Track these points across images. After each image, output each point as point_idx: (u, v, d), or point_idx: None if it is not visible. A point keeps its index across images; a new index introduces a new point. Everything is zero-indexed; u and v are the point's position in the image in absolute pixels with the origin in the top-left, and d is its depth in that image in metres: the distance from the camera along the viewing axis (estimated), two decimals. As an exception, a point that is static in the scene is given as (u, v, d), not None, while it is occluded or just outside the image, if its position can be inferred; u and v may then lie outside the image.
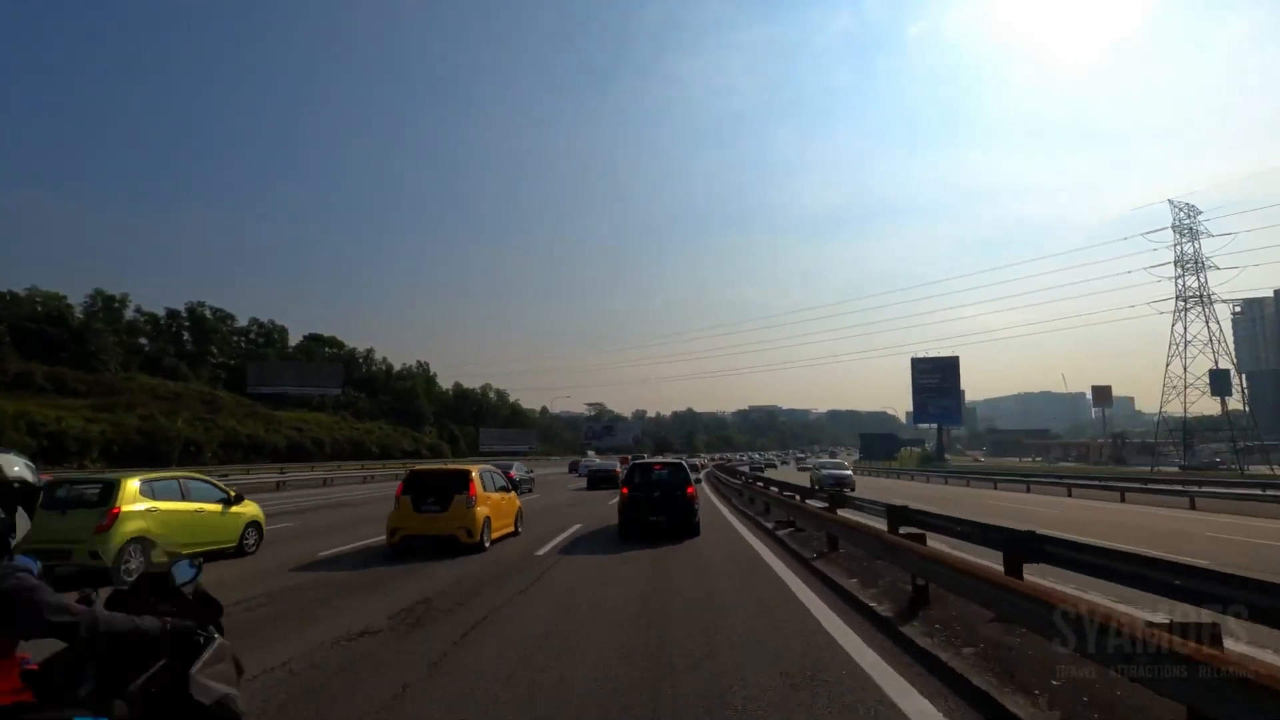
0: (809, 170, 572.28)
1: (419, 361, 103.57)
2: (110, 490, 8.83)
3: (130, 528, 8.66)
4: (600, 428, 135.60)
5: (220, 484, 11.17)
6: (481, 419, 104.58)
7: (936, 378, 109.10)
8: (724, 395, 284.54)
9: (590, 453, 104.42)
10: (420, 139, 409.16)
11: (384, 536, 10.94)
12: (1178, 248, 70.96)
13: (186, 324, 71.34)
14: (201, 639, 2.08)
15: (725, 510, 19.24)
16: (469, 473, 11.18)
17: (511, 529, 12.63)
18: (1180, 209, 70.92)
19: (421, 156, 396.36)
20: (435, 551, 10.40)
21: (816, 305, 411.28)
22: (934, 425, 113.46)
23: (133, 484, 9.08)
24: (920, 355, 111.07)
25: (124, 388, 51.40)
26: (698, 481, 21.12)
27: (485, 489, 11.41)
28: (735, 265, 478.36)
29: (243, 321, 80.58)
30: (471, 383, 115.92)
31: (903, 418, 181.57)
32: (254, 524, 10.97)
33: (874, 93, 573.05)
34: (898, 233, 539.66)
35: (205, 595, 2.26)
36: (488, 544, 10.94)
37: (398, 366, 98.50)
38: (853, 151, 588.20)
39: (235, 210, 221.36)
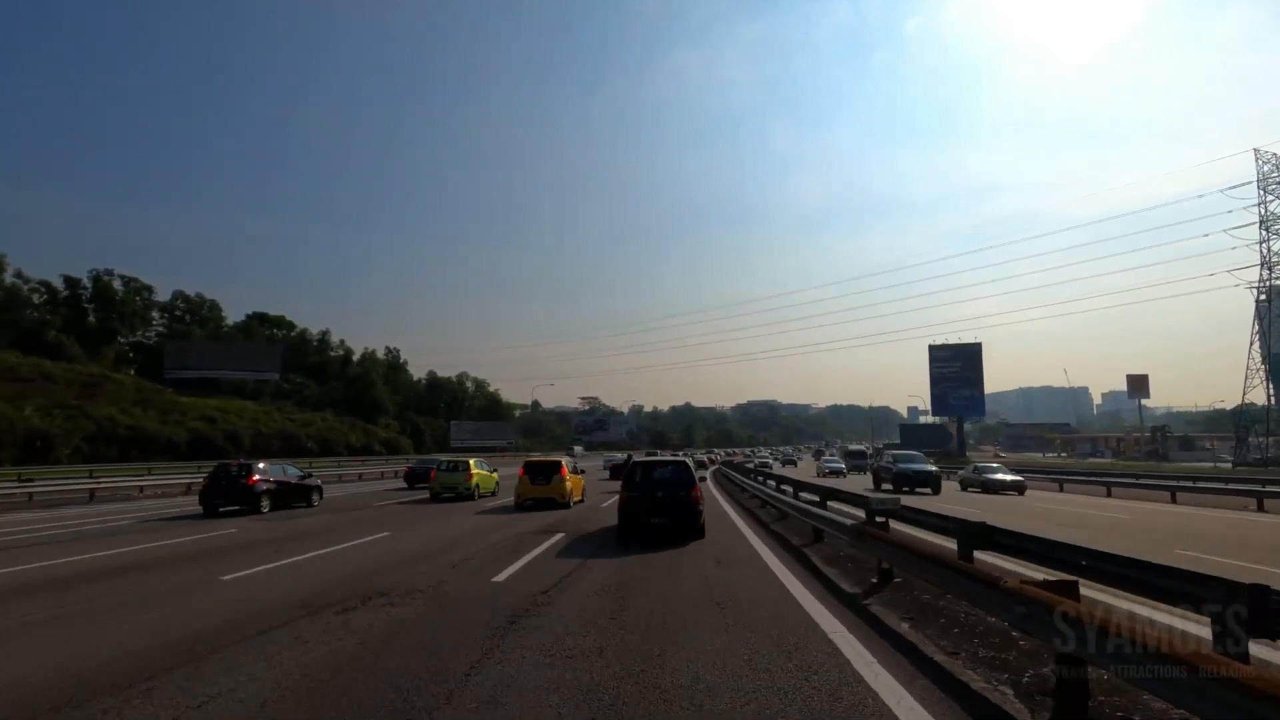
0: (806, 166, 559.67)
1: (388, 348, 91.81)
2: (466, 465, 22.11)
3: (474, 480, 21.46)
4: (592, 422, 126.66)
5: (488, 462, 25.75)
6: (456, 411, 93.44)
7: (957, 366, 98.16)
8: (723, 390, 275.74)
9: (577, 448, 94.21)
10: (417, 132, 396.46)
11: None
12: (1262, 207, 60.46)
13: (89, 296, 59.57)
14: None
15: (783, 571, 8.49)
16: (561, 462, 19.55)
17: (580, 496, 20.26)
18: (1266, 160, 60.36)
19: (416, 150, 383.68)
20: (541, 506, 17.81)
21: (815, 285, 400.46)
22: (942, 418, 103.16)
23: (472, 462, 22.48)
24: (938, 342, 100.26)
25: (-36, 366, 40.29)
26: (702, 479, 20.17)
27: (570, 472, 19.46)
28: (732, 261, 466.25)
29: (165, 295, 68.45)
30: (459, 375, 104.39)
31: (904, 412, 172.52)
32: (498, 481, 23.78)
33: (872, 89, 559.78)
34: (896, 228, 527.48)
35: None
36: (572, 504, 18.62)
37: (359, 352, 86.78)
38: (850, 147, 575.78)
39: (226, 204, 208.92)
